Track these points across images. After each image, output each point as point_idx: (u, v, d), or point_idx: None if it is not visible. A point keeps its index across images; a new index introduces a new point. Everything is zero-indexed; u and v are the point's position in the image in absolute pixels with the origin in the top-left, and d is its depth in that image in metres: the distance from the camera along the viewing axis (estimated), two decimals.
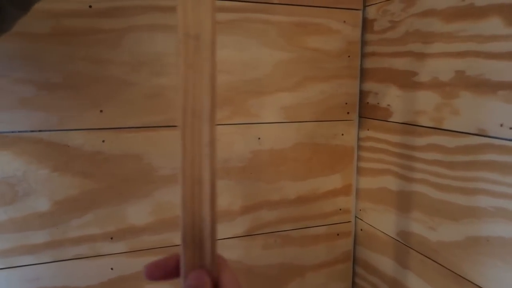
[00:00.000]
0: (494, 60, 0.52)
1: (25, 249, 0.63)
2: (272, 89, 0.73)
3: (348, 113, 0.80)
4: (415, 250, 0.68)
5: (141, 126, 0.66)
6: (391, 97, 0.72)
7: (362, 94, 0.80)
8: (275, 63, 0.73)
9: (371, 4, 0.76)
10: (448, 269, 0.61)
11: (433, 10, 0.61)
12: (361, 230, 0.83)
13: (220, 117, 0.71)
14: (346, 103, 0.79)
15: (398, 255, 0.73)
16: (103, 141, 0.65)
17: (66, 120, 0.62)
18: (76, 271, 0.66)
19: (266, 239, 0.78)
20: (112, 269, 0.68)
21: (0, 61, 0.58)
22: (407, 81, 0.68)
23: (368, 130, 0.79)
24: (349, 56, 0.78)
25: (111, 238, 0.67)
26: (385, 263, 0.76)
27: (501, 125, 0.51)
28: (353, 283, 0.87)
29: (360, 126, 0.81)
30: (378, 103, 0.76)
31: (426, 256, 0.66)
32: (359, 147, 0.82)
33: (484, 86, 0.54)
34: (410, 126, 0.67)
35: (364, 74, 0.79)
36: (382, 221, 0.76)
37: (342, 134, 0.80)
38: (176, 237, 0.71)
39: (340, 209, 0.83)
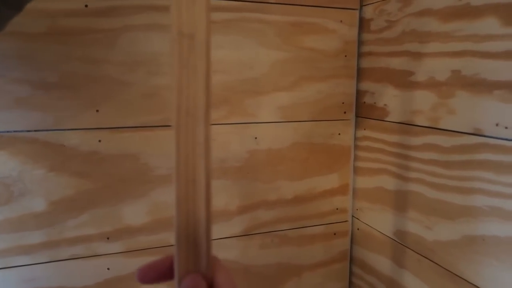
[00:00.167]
0: (490, 59, 0.52)
1: (21, 250, 0.63)
2: (269, 88, 0.73)
3: (345, 112, 0.80)
4: (411, 250, 0.68)
5: (138, 126, 0.66)
6: (388, 97, 0.72)
7: (359, 93, 0.80)
8: (272, 62, 0.73)
9: (368, 4, 0.76)
10: (444, 268, 0.61)
11: (429, 9, 0.61)
12: (358, 229, 0.83)
13: (217, 116, 0.71)
14: (343, 103, 0.79)
15: (395, 255, 0.73)
16: (100, 141, 0.64)
17: (62, 120, 0.62)
18: (72, 271, 0.66)
19: (263, 238, 0.78)
20: (108, 269, 0.68)
21: None
22: (403, 81, 0.68)
23: (364, 129, 0.79)
24: (345, 56, 0.78)
25: (108, 238, 0.67)
26: (382, 263, 0.76)
27: (497, 125, 0.51)
28: (350, 282, 0.87)
29: (357, 126, 0.81)
30: (374, 103, 0.76)
31: (422, 255, 0.66)
32: (356, 147, 0.82)
33: (480, 85, 0.54)
34: (407, 126, 0.67)
35: (360, 74, 0.79)
36: (379, 221, 0.76)
37: (339, 134, 0.80)
38: (172, 237, 0.71)
39: (337, 209, 0.83)
